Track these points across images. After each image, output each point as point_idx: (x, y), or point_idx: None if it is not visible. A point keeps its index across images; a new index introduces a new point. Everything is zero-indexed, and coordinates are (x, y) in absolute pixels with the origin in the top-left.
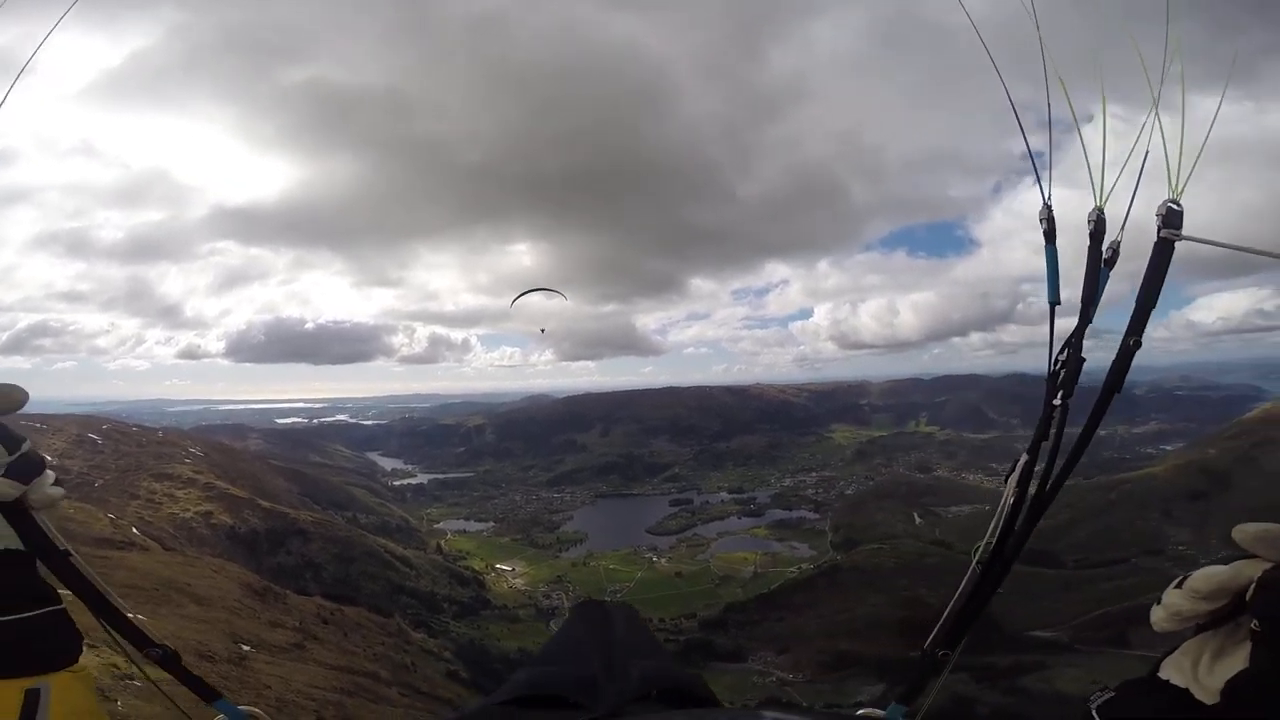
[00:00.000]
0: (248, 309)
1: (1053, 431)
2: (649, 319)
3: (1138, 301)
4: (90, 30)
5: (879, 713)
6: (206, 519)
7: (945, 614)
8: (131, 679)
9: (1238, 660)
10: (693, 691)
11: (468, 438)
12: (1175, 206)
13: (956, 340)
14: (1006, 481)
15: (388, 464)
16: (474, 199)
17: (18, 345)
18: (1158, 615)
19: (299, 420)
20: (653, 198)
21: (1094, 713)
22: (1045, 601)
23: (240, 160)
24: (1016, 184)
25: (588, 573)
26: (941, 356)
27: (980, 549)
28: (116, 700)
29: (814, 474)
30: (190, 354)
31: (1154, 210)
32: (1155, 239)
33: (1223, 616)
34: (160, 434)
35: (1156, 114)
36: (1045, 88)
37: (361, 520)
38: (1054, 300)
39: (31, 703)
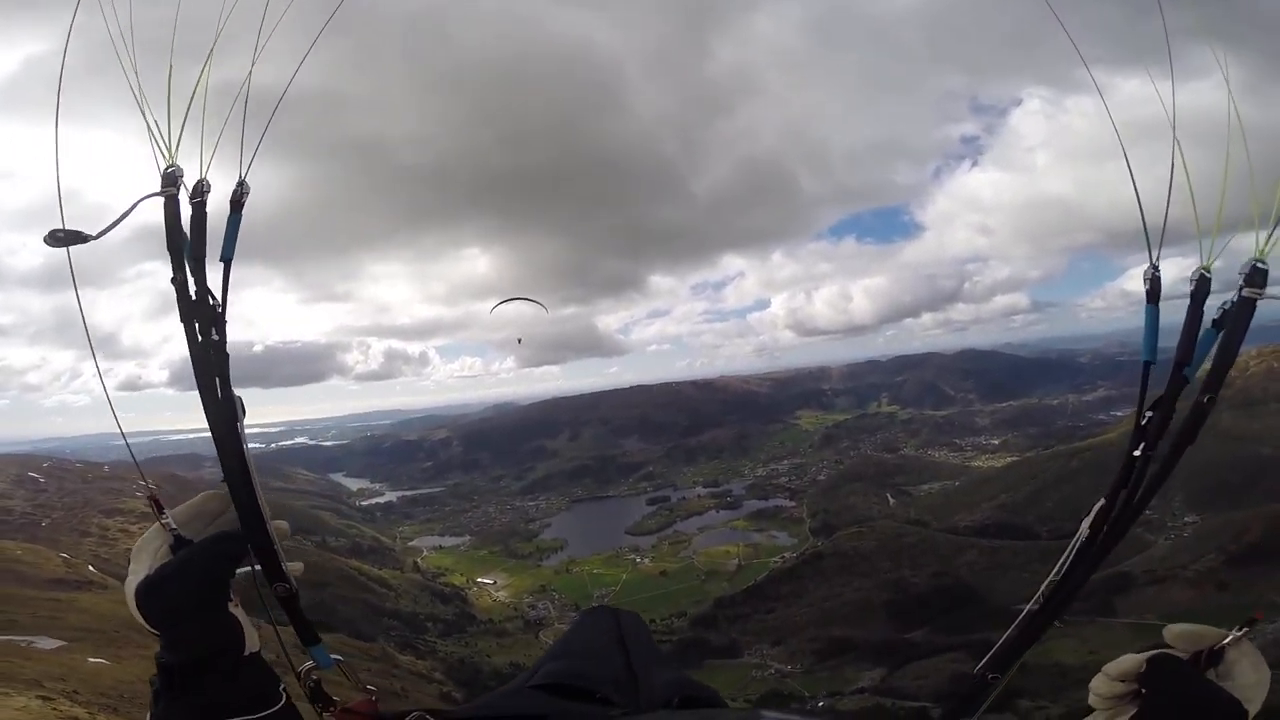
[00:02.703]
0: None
1: (1133, 478)
2: (611, 319)
3: (1215, 360)
4: None
5: None
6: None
7: (1003, 639)
8: None
9: None
10: (713, 702)
11: (433, 452)
12: (1261, 265)
13: (909, 321)
14: (1081, 523)
15: (353, 484)
16: (420, 203)
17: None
18: (1090, 698)
19: (256, 446)
20: (607, 196)
21: None
22: (1026, 573)
23: (156, 174)
24: (955, 168)
25: (571, 580)
26: (896, 338)
27: (1045, 584)
28: None
29: (785, 462)
30: (132, 385)
31: (1239, 270)
32: (1236, 297)
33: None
34: (106, 468)
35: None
36: (1172, 155)
37: (331, 543)
38: (1149, 360)
39: None
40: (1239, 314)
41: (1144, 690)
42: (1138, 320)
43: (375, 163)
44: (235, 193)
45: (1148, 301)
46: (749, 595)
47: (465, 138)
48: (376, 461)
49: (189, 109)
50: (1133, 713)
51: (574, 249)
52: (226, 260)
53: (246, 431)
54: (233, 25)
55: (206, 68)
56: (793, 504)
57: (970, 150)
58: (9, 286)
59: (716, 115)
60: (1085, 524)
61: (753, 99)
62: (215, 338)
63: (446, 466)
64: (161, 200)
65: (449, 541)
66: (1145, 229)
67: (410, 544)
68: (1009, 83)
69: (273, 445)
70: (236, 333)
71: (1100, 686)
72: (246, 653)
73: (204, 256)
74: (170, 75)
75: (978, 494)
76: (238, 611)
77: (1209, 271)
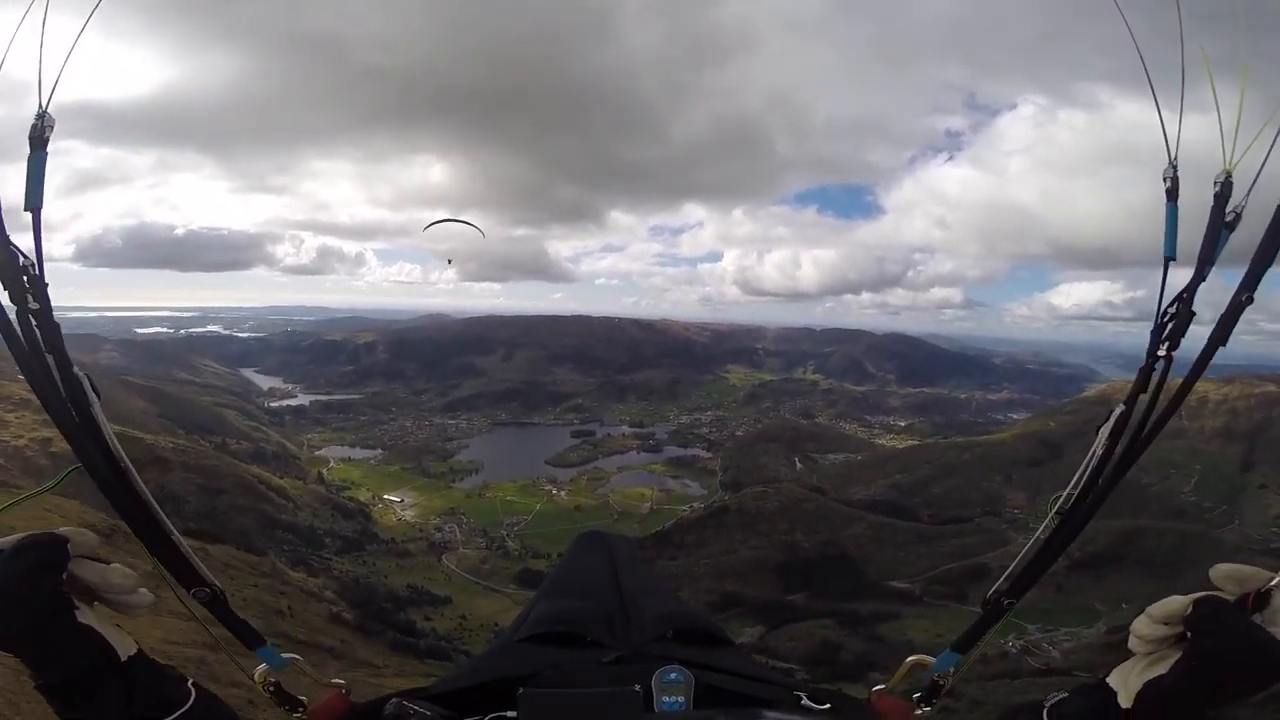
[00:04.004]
0: (105, 213)
1: (1154, 382)
2: (563, 246)
3: (1253, 260)
4: None
5: (929, 659)
6: (45, 447)
7: (1016, 561)
8: None
9: (1162, 669)
10: (705, 630)
11: (356, 355)
12: None
13: (848, 297)
14: (1099, 431)
15: (265, 382)
16: (375, 104)
17: None
18: (1131, 640)
19: (163, 330)
20: (580, 124)
21: (1044, 714)
22: (903, 553)
23: (92, 54)
24: (931, 159)
25: (483, 504)
26: (833, 310)
27: (1061, 499)
28: None
29: (709, 413)
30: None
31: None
32: (1278, 204)
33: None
34: None
35: None
36: (1180, 47)
37: (232, 446)
38: (1170, 255)
39: None
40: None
41: (1189, 633)
42: (1055, 334)
43: (334, 60)
44: (35, 127)
45: (1168, 200)
46: (656, 540)
47: (437, 45)
48: (293, 360)
49: None
50: (1176, 656)
51: (536, 170)
52: (34, 210)
53: (155, 315)
54: None
55: None
56: (709, 455)
57: (951, 144)
58: None
59: (708, 62)
60: (1103, 433)
61: (749, 53)
62: (35, 305)
63: (368, 373)
64: None
65: (359, 454)
66: (1164, 130)
67: (318, 453)
68: (1010, 85)
69: (182, 331)
70: (160, 215)
71: (1142, 629)
72: (123, 658)
73: None
74: None
75: (876, 470)
76: (91, 618)
77: (1231, 176)
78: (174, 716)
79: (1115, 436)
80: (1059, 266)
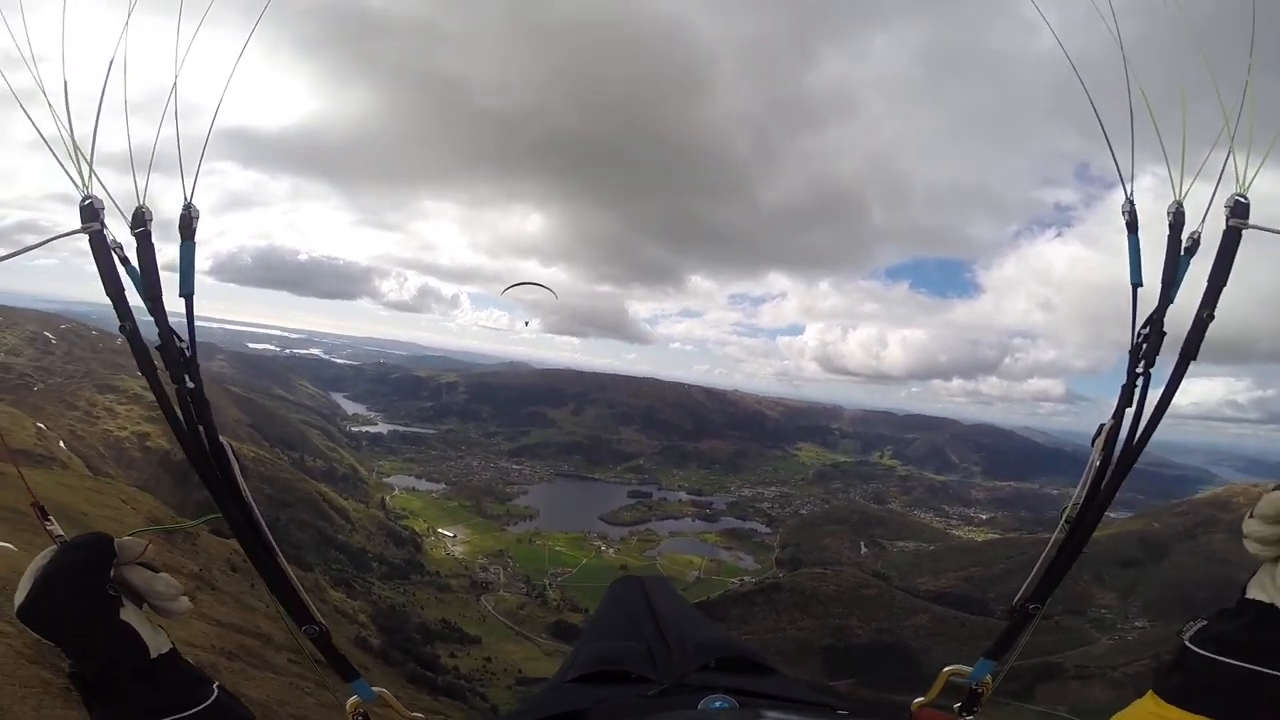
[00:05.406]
0: (243, 233)
1: (1136, 397)
2: (641, 307)
3: (1209, 281)
4: None
5: (966, 669)
6: (141, 441)
7: (1034, 570)
8: None
9: None
10: (747, 657)
11: (437, 393)
12: (1242, 199)
13: (937, 382)
14: (1093, 444)
15: (350, 407)
16: (485, 149)
17: (2, 238)
18: (1247, 544)
19: (270, 348)
20: (668, 184)
21: (1187, 644)
22: (966, 647)
23: (250, 79)
24: (1037, 235)
25: (531, 551)
26: (918, 395)
27: (1067, 509)
28: None
29: (773, 488)
30: (171, 266)
31: (1225, 204)
32: (1224, 227)
33: None
34: (120, 341)
35: (1227, 121)
36: (1127, 91)
37: (308, 463)
38: (1136, 282)
39: None
40: (1230, 240)
41: None
42: (1167, 433)
43: (452, 102)
44: (184, 217)
45: (1129, 232)
46: (699, 609)
47: (542, 92)
48: (380, 390)
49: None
50: None
51: (624, 228)
52: (187, 297)
53: (267, 332)
54: (151, 19)
55: (111, 72)
56: (768, 530)
57: (1060, 219)
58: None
59: (803, 127)
60: (1096, 448)
61: (846, 118)
62: (190, 385)
63: (446, 410)
64: (87, 238)
65: (424, 485)
66: (1118, 167)
67: (385, 480)
68: (1128, 153)
69: (287, 351)
70: (289, 240)
71: (1257, 530)
72: (154, 655)
73: (160, 295)
74: (66, 88)
75: (948, 562)
76: (131, 616)
77: (1183, 205)
78: (189, 713)
79: (1108, 448)
80: (1174, 359)
